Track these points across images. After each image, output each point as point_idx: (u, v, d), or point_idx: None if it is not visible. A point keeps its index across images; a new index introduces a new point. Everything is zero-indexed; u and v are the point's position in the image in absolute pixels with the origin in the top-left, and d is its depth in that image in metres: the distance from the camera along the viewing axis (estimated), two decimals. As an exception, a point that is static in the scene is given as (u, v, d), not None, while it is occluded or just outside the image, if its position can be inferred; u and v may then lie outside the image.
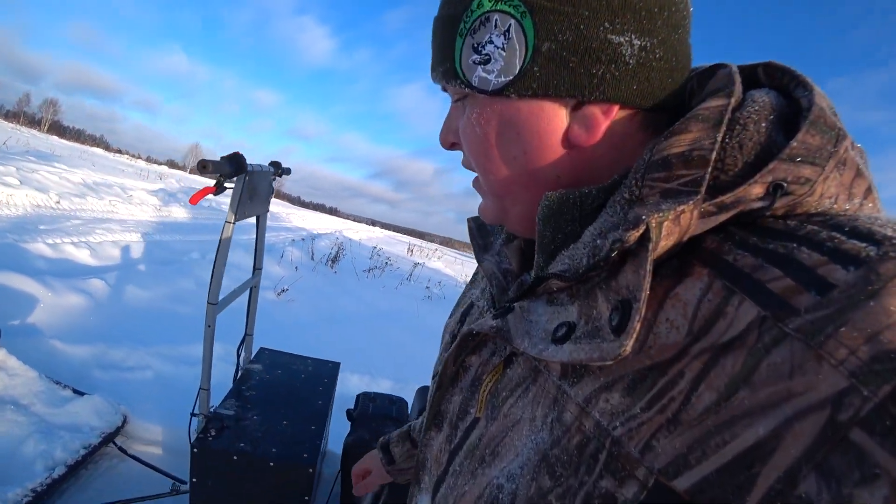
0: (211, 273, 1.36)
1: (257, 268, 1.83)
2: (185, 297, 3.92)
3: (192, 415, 1.49)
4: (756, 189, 0.31)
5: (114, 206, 7.88)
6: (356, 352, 3.88)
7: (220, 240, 1.31)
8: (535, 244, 0.42)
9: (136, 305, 3.36)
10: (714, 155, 0.32)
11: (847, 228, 0.29)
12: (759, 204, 0.32)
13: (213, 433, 1.43)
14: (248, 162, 1.30)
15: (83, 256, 4.41)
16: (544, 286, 0.39)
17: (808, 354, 0.25)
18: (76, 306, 2.95)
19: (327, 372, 2.03)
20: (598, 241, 0.34)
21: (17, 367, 1.84)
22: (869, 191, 0.34)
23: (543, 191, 0.41)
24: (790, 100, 0.36)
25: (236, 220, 1.30)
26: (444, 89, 0.47)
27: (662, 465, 0.28)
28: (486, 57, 0.39)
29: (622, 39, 0.36)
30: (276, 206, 25.06)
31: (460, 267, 19.38)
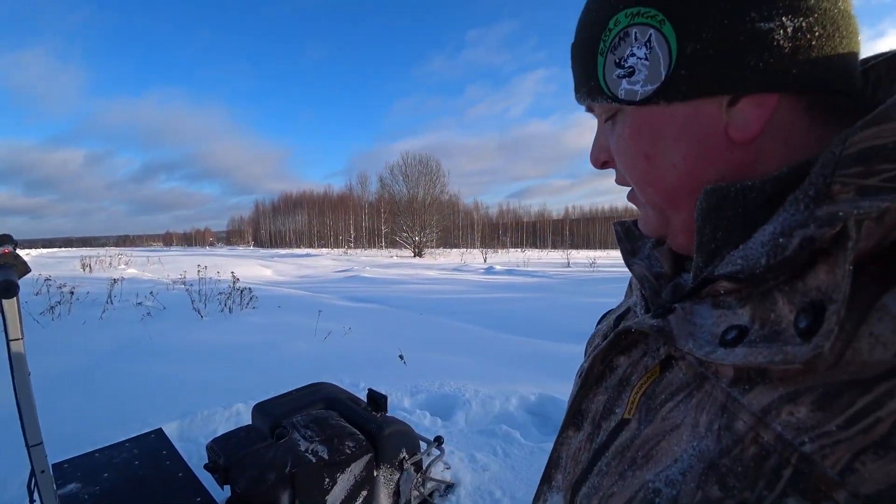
0: (18, 411, 0.96)
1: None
2: None
3: None
4: None
5: None
6: (126, 419, 3.21)
7: (13, 369, 0.94)
8: (695, 243, 0.40)
9: None
10: None
11: None
12: None
13: None
14: None
15: None
16: (708, 289, 0.38)
17: None
18: None
19: (156, 444, 1.70)
20: (781, 240, 0.31)
21: None
22: None
23: None
24: None
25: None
26: (590, 110, 0.48)
27: (871, 492, 0.26)
28: (630, 69, 0.40)
29: (772, 25, 0.34)
30: None
31: (157, 266, 16.97)
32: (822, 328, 0.28)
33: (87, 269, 14.18)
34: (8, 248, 0.95)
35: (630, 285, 0.62)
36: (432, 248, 44.00)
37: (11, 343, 0.97)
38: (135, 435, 1.85)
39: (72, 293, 7.35)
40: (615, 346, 0.46)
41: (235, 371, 4.22)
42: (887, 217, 0.28)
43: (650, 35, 0.38)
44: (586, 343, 0.63)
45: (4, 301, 0.96)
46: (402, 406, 3.51)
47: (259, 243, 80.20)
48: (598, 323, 0.64)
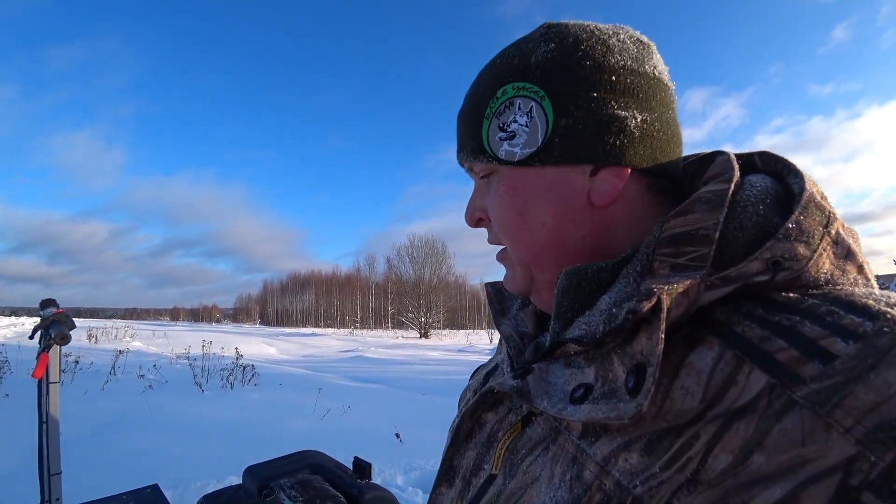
0: (44, 444, 1.11)
1: (43, 421, 1.50)
2: None
3: None
4: (756, 265, 0.35)
5: None
6: (118, 488, 3.22)
7: (49, 407, 1.12)
8: (552, 312, 0.44)
9: None
10: (717, 234, 0.36)
11: (844, 303, 0.32)
12: (761, 278, 0.35)
13: None
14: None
15: None
16: (561, 350, 0.41)
17: (817, 423, 0.27)
18: None
19: (153, 498, 1.78)
20: (614, 310, 0.36)
21: None
22: (861, 268, 0.38)
23: (571, 253, 0.45)
24: (783, 185, 0.41)
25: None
26: (470, 169, 0.51)
27: None
28: (512, 133, 0.45)
29: (626, 114, 0.43)
30: None
31: (163, 340, 17.03)
32: (643, 387, 0.32)
33: (94, 339, 14.24)
34: (61, 308, 1.16)
35: (500, 341, 0.65)
36: (439, 328, 43.76)
37: (51, 385, 1.15)
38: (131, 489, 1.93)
39: (76, 362, 7.41)
40: (482, 403, 0.49)
41: (232, 445, 4.22)
42: (691, 290, 0.34)
43: (532, 107, 0.44)
44: (459, 397, 0.66)
45: (55, 348, 1.15)
46: (394, 483, 3.47)
47: (265, 321, 79.98)
48: (471, 377, 0.68)
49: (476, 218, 0.52)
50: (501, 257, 0.52)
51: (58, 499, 1.13)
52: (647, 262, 0.38)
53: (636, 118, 0.43)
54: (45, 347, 1.13)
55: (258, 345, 18.49)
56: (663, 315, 0.33)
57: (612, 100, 0.43)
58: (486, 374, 0.62)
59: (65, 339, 1.05)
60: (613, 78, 0.43)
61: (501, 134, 0.45)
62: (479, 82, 0.49)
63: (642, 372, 0.33)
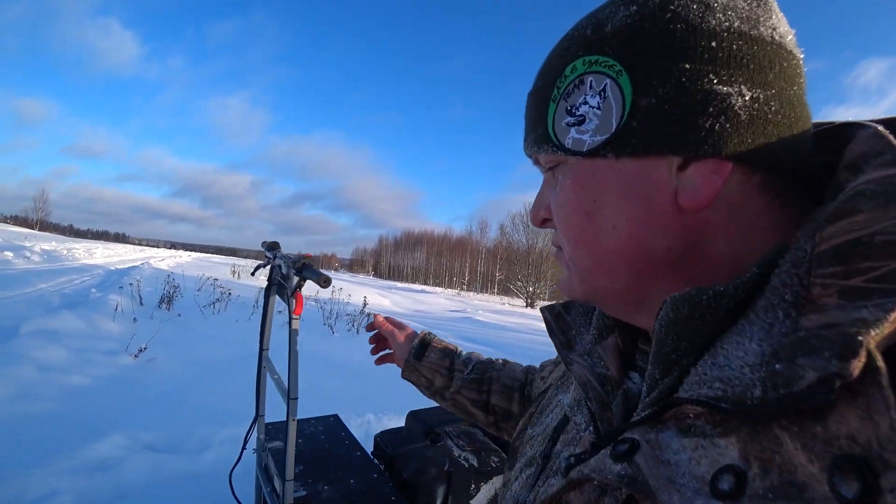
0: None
1: (264, 349, 1.74)
2: (32, 391, 3.23)
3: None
4: None
5: None
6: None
7: (291, 338, 1.36)
8: (651, 353, 0.34)
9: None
10: None
11: None
12: None
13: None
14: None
15: None
16: (674, 412, 0.31)
17: None
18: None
19: (336, 426, 2.06)
20: (779, 367, 0.25)
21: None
22: None
23: (650, 267, 0.36)
24: None
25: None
26: (536, 161, 0.43)
27: None
28: (581, 118, 0.36)
29: (731, 90, 0.32)
30: (47, 243, 20.92)
31: (292, 281, 18.64)
32: (880, 500, 0.21)
33: (237, 275, 15.99)
34: (310, 254, 1.31)
35: (562, 376, 0.57)
36: (545, 299, 43.32)
37: (293, 320, 1.33)
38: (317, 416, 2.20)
39: (229, 294, 8.36)
40: (568, 490, 0.38)
41: (363, 385, 4.54)
42: (887, 326, 0.23)
43: (605, 84, 0.35)
44: (513, 447, 0.56)
45: (306, 288, 1.34)
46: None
47: (378, 274, 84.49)
48: (531, 425, 0.56)
49: (541, 218, 0.44)
50: (559, 257, 0.43)
51: (294, 419, 1.30)
52: (801, 287, 0.27)
53: (744, 96, 0.32)
54: (297, 286, 1.28)
55: (373, 295, 19.55)
56: (883, 379, 0.22)
57: (710, 72, 0.32)
58: (553, 428, 0.48)
59: (327, 283, 1.19)
60: (714, 44, 0.32)
61: (569, 118, 0.37)
62: (548, 59, 0.40)
63: (869, 474, 0.21)
